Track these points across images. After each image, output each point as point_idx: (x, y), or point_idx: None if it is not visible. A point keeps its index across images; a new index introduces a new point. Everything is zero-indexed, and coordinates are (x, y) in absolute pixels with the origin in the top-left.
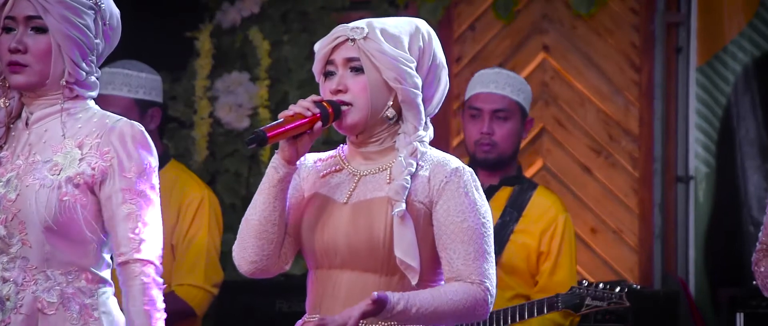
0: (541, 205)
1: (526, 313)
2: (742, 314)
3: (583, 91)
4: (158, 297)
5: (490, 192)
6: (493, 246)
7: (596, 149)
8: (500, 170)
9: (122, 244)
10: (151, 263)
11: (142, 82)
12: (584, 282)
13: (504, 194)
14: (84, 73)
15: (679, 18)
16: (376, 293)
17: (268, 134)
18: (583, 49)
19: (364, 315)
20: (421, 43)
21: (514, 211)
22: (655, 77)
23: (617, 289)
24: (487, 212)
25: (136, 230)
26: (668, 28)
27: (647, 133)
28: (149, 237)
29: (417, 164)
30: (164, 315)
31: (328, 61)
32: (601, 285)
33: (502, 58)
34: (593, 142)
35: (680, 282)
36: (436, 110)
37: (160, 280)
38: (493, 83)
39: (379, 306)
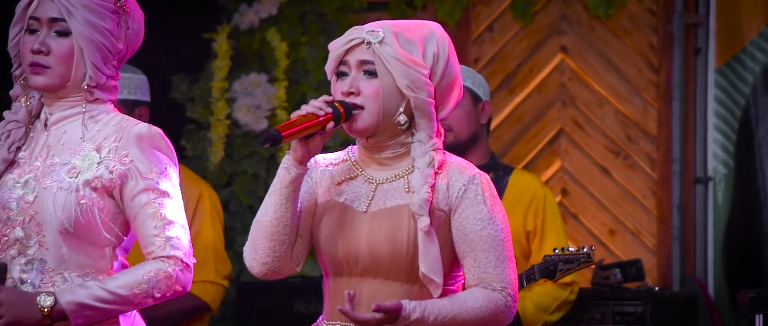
0: (519, 185)
1: None
2: (761, 315)
3: (601, 92)
4: (161, 287)
5: None
6: (512, 251)
7: (614, 150)
8: (464, 155)
9: (150, 244)
10: (179, 260)
11: (126, 82)
12: (556, 249)
13: None
14: (105, 77)
15: (698, 19)
16: (376, 304)
17: (282, 134)
18: (601, 51)
19: (380, 322)
20: (436, 49)
21: None
22: (674, 78)
23: (584, 249)
24: (505, 218)
25: (163, 229)
26: (687, 29)
27: (666, 134)
28: (176, 235)
29: (434, 173)
30: (148, 303)
31: (342, 62)
32: (571, 249)
33: (520, 59)
34: (611, 143)
35: (699, 284)
36: (446, 114)
37: (183, 279)
38: None
39: (392, 315)
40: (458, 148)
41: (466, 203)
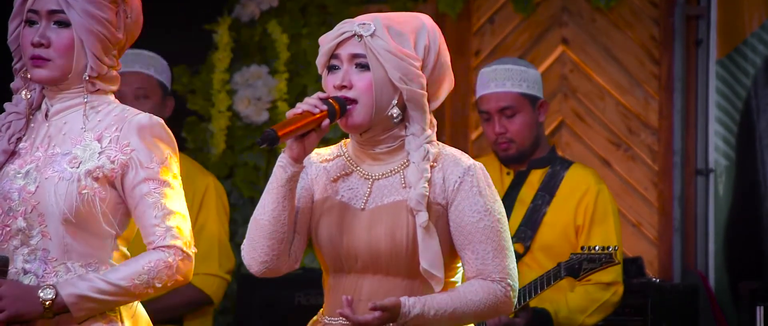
0: (574, 180)
1: (538, 287)
2: (762, 307)
3: (602, 84)
4: (161, 277)
5: (520, 178)
6: (510, 240)
7: (615, 142)
8: (527, 158)
9: (150, 233)
10: (179, 249)
11: (165, 68)
12: (583, 248)
13: (535, 177)
14: (106, 68)
15: (699, 11)
16: (372, 303)
17: (279, 133)
18: (602, 42)
19: (381, 321)
20: (427, 41)
21: (545, 194)
22: (675, 70)
23: (609, 249)
24: (501, 207)
25: (164, 219)
26: (688, 20)
27: (667, 126)
28: (177, 224)
29: (429, 167)
30: (149, 293)
31: (333, 56)
32: (597, 248)
33: (521, 51)
34: (612, 135)
35: (700, 276)
36: (437, 105)
37: (183, 269)
38: (493, 81)
39: (393, 313)
40: (522, 156)
41: (462, 195)
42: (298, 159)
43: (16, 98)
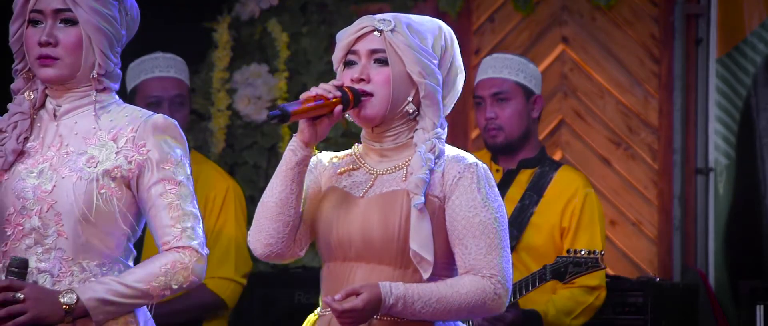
0: (563, 182)
1: (524, 288)
2: (762, 306)
3: (602, 83)
4: (178, 278)
5: (509, 177)
6: (507, 240)
7: (615, 140)
8: (516, 152)
9: (165, 234)
10: (194, 250)
11: (184, 67)
12: (570, 250)
13: (524, 177)
14: (112, 65)
15: (699, 9)
16: (338, 294)
17: (291, 110)
18: (602, 41)
19: (364, 305)
20: (443, 43)
21: (533, 194)
22: (675, 69)
23: (594, 253)
24: (500, 207)
25: (179, 220)
26: (688, 19)
27: (667, 125)
28: (192, 225)
29: (434, 159)
30: (166, 294)
31: (351, 51)
32: (582, 252)
33: (522, 49)
34: (612, 134)
35: (700, 275)
36: (447, 112)
37: (198, 270)
38: (491, 68)
39: (371, 294)
40: (509, 146)
41: (460, 190)
42: (309, 143)
43: (19, 98)
